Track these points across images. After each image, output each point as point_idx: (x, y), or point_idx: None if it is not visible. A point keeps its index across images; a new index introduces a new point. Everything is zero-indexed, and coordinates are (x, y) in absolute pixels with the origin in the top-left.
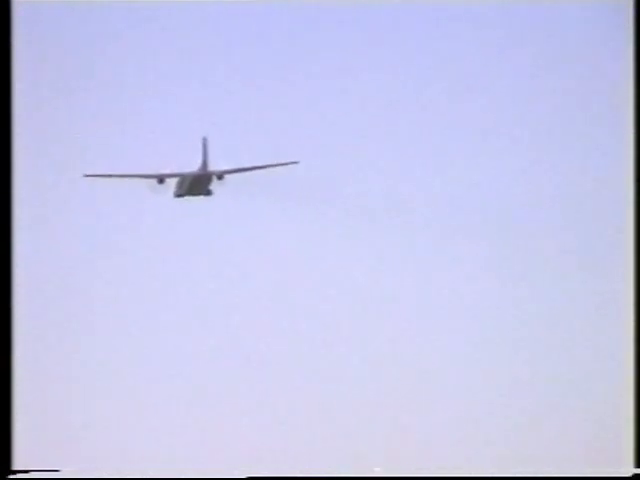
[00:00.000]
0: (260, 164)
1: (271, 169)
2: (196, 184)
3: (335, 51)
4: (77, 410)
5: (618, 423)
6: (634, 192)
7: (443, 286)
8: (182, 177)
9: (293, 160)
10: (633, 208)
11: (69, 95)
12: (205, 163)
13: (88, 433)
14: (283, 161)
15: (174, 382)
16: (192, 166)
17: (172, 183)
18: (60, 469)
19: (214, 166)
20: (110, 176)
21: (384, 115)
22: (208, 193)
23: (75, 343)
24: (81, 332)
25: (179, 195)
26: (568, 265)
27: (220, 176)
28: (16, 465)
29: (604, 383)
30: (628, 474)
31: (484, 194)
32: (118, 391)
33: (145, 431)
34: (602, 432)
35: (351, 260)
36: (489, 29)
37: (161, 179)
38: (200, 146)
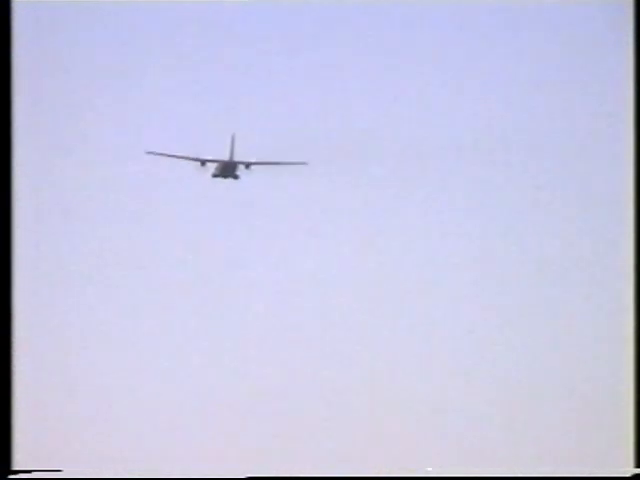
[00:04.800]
0: (279, 160)
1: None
2: (226, 169)
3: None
4: (77, 410)
5: (618, 423)
6: (634, 191)
7: (445, 289)
8: (218, 163)
9: (302, 161)
10: (633, 207)
11: (70, 95)
12: (232, 154)
13: (88, 433)
14: (294, 160)
15: (175, 382)
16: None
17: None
18: (60, 469)
19: (241, 157)
20: (169, 156)
21: (393, 119)
22: (236, 177)
23: (75, 343)
24: (81, 332)
25: (215, 175)
26: (569, 263)
27: (247, 165)
28: (16, 465)
29: (604, 383)
30: (628, 474)
31: (485, 195)
32: (119, 391)
33: (145, 431)
34: (602, 432)
35: (360, 254)
36: (489, 29)
37: (203, 162)
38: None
